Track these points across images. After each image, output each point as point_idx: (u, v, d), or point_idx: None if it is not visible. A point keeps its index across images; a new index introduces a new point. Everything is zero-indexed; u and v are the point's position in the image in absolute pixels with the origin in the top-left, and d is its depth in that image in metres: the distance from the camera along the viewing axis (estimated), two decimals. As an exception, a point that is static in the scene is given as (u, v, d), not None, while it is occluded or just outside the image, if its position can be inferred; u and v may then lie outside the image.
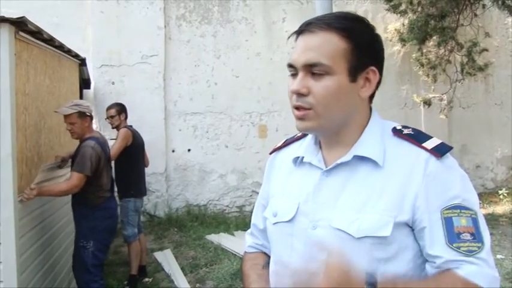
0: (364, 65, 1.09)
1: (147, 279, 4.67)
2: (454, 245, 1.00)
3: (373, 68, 1.10)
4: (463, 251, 0.99)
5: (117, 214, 3.93)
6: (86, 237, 3.55)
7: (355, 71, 1.07)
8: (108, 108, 4.80)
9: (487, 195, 7.94)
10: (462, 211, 1.02)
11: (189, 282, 4.52)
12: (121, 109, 4.77)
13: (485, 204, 7.40)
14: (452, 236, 1.00)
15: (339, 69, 1.05)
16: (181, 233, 6.25)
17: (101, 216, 3.60)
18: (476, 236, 1.01)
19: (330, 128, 1.10)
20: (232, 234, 6.03)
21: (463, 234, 1.00)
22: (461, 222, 1.01)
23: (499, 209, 7.19)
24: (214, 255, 5.23)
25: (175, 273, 4.70)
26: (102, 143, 3.70)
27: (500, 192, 7.70)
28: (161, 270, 4.91)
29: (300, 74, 1.07)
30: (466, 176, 1.08)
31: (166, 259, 5.16)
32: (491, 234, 5.16)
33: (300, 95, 1.06)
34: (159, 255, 5.29)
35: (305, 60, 1.06)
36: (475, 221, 1.02)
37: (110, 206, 3.73)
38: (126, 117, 4.82)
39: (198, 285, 4.52)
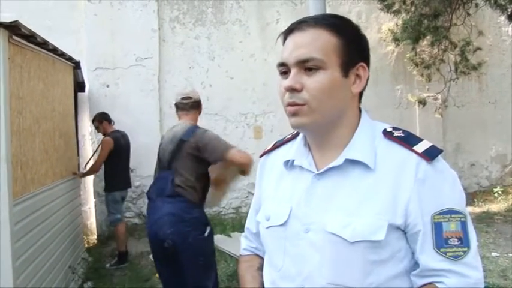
0: (354, 60, 1.09)
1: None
2: (441, 250, 1.02)
3: (362, 64, 1.11)
4: (450, 256, 1.02)
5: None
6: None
7: (346, 66, 1.08)
8: (92, 121, 5.61)
9: (482, 194, 7.97)
10: (453, 215, 1.03)
11: (186, 284, 4.52)
12: (101, 118, 5.44)
13: (480, 203, 7.43)
14: (440, 241, 1.03)
15: (331, 64, 1.06)
16: (177, 235, 6.22)
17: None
18: (464, 241, 1.03)
19: (322, 125, 1.10)
20: (229, 236, 6.02)
21: (451, 240, 1.03)
22: (450, 227, 1.03)
23: (494, 207, 7.22)
24: (211, 257, 5.21)
25: (172, 276, 4.69)
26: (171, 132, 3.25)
27: (495, 190, 7.73)
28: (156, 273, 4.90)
29: (293, 71, 1.07)
30: (457, 177, 1.09)
31: (163, 261, 5.15)
32: (486, 232, 5.17)
33: (293, 91, 1.06)
34: (155, 258, 5.28)
35: (297, 57, 1.06)
36: (463, 225, 1.04)
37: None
38: (110, 122, 5.47)
39: (195, 287, 4.51)
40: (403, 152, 1.07)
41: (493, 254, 4.99)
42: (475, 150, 8.32)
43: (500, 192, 7.60)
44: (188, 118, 3.23)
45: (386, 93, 7.72)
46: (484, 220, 6.39)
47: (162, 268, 3.15)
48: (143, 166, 6.27)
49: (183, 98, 3.26)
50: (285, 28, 1.14)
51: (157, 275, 4.71)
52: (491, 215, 6.75)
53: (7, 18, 2.99)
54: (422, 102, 7.48)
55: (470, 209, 7.07)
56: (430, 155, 1.06)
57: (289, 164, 1.20)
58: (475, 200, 7.56)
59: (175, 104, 3.29)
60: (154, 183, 3.13)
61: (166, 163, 3.06)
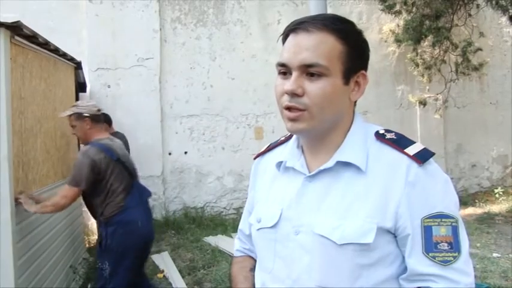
0: (356, 68, 1.08)
1: None
2: (430, 254, 1.01)
3: (363, 72, 1.10)
4: (438, 261, 1.01)
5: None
6: (101, 257, 3.25)
7: (348, 74, 1.07)
8: None
9: (483, 194, 7.98)
10: (443, 220, 1.02)
11: (187, 285, 4.52)
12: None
13: (481, 203, 7.43)
14: (430, 246, 1.01)
15: (335, 71, 1.04)
16: (178, 235, 6.24)
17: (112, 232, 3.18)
18: (454, 246, 1.01)
19: (320, 130, 1.09)
20: (230, 236, 6.02)
21: (441, 244, 1.01)
22: (440, 231, 1.02)
23: (495, 207, 7.22)
24: (212, 257, 5.22)
25: (173, 276, 4.70)
26: (106, 146, 3.19)
27: (496, 191, 7.74)
28: (159, 273, 4.90)
29: (295, 74, 1.04)
30: (449, 181, 1.08)
31: (164, 262, 5.15)
32: (487, 233, 5.16)
33: (294, 95, 1.04)
34: (156, 258, 5.28)
35: (301, 60, 1.03)
36: (454, 229, 1.02)
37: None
38: (110, 124, 5.35)
39: (196, 287, 4.52)
40: (395, 155, 1.06)
41: (494, 254, 4.99)
42: (476, 151, 8.32)
43: (501, 193, 7.61)
44: (104, 131, 3.51)
45: (387, 94, 7.71)
46: (485, 221, 6.38)
47: (140, 266, 3.47)
48: (144, 166, 6.27)
49: (99, 110, 3.38)
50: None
51: (159, 275, 4.75)
52: (492, 215, 6.75)
53: (9, 18, 2.99)
54: (423, 103, 7.48)
55: (471, 209, 7.07)
56: (422, 157, 1.04)
57: (281, 166, 1.19)
58: (476, 200, 7.55)
59: (91, 116, 3.28)
60: (131, 192, 3.27)
61: (135, 174, 3.43)
